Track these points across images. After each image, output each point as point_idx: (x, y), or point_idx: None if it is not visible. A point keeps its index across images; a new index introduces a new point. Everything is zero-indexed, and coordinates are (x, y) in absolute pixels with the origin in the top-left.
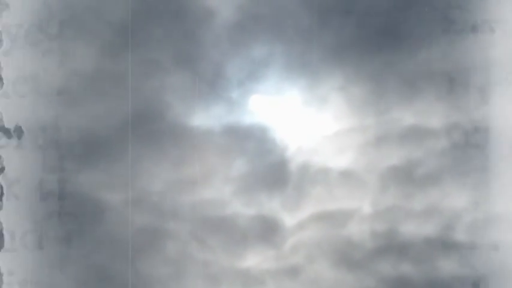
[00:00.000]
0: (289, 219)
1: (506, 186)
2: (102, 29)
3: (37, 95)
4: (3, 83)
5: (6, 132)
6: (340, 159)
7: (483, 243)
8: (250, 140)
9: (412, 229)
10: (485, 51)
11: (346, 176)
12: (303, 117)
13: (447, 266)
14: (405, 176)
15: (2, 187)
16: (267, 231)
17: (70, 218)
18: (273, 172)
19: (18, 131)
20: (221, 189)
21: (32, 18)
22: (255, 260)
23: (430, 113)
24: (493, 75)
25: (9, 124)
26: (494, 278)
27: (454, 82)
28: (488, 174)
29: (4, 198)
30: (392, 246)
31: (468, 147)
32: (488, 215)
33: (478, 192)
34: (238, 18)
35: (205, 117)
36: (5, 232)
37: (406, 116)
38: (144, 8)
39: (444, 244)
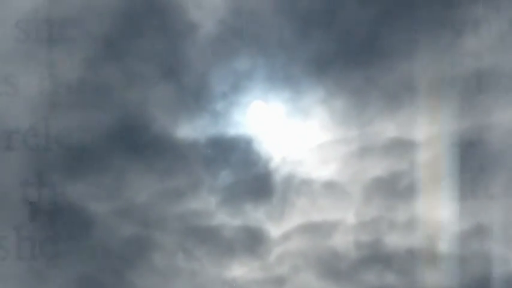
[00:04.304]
0: (274, 230)
1: (489, 197)
2: (87, 42)
3: (24, 106)
4: None
5: None
6: (324, 171)
7: (467, 254)
8: (235, 152)
9: (396, 240)
10: (467, 63)
11: (330, 187)
12: (286, 129)
13: (431, 277)
14: (389, 188)
15: None
16: (253, 241)
17: (57, 229)
18: (258, 183)
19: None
20: (207, 200)
21: (19, 30)
22: (241, 270)
23: (412, 125)
24: (476, 87)
25: None
26: None
27: (436, 94)
28: (471, 186)
29: None
30: (376, 256)
31: (451, 159)
32: (472, 227)
33: (461, 204)
34: (221, 31)
35: (190, 129)
36: None
37: (389, 128)
38: (128, 21)
39: (427, 255)
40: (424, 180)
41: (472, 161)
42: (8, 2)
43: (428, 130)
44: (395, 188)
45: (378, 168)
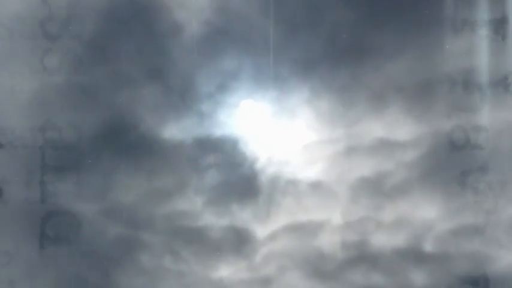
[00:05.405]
0: (260, 230)
1: (475, 197)
2: (73, 44)
3: (11, 108)
4: None
5: None
6: (310, 171)
7: (453, 254)
8: (221, 152)
9: (383, 240)
10: (452, 64)
11: (316, 187)
12: (272, 129)
13: (417, 277)
14: (375, 187)
15: None
16: (239, 242)
17: (43, 229)
18: (244, 183)
19: None
20: (193, 201)
21: (5, 31)
22: (227, 270)
23: (398, 125)
24: (459, 88)
25: None
26: None
27: (421, 95)
28: (458, 186)
29: None
30: (363, 256)
31: (437, 159)
32: (458, 226)
33: (447, 204)
34: (206, 32)
35: (176, 130)
36: None
37: (375, 128)
38: (113, 23)
39: (414, 255)
40: (410, 180)
41: (458, 160)
42: None
43: (415, 130)
44: (381, 188)
45: (364, 168)
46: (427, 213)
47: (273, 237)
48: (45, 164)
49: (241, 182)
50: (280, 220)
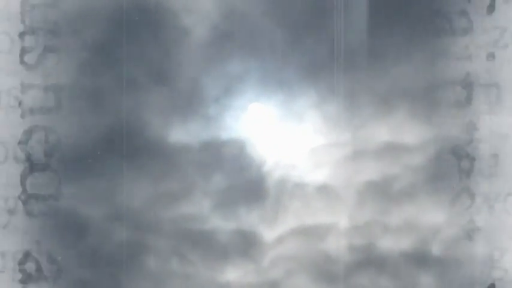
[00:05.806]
0: (267, 234)
1: (481, 201)
2: (80, 48)
3: (14, 111)
4: None
5: None
6: (317, 175)
7: (460, 258)
8: (228, 156)
9: (390, 244)
10: (460, 67)
11: (323, 191)
12: (279, 133)
13: (424, 281)
14: (382, 191)
15: None
16: (246, 245)
17: (50, 233)
18: (251, 187)
19: None
20: (200, 204)
21: (12, 35)
22: (235, 274)
23: (404, 129)
24: (466, 91)
25: None
26: None
27: (428, 98)
28: (464, 190)
29: None
30: (370, 260)
31: (444, 163)
32: (465, 230)
33: (454, 207)
34: (213, 36)
35: (182, 133)
36: None
37: (382, 132)
38: (120, 27)
39: (421, 258)
40: (417, 183)
41: (464, 165)
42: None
43: (422, 134)
44: (388, 192)
45: (371, 172)
46: (435, 217)
47: (280, 240)
48: (51, 168)
49: (248, 185)
50: (287, 223)
